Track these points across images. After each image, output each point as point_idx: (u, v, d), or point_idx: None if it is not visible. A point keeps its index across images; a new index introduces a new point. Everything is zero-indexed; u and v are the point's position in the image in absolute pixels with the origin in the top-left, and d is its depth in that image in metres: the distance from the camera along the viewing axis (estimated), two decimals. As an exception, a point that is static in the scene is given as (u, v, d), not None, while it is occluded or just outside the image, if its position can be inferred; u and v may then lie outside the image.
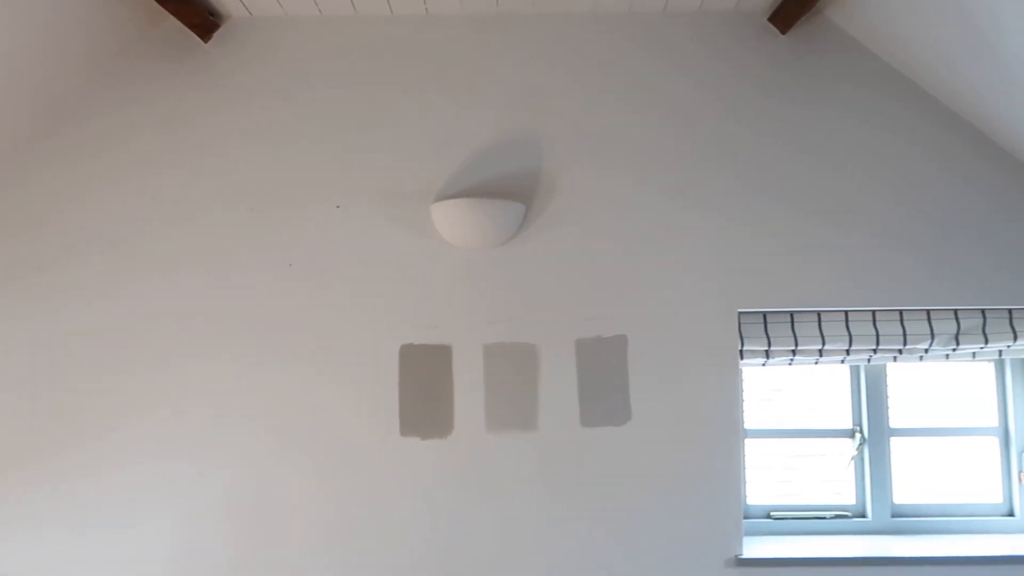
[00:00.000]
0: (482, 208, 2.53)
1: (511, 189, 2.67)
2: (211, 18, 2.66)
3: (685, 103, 2.70)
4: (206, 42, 2.72)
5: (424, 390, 2.61)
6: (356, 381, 2.62)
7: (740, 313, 2.69)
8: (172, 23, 2.68)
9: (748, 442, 2.89)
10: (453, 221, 2.56)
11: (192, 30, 2.65)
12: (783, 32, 2.70)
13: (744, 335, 2.71)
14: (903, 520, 2.87)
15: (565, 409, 2.62)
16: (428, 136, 2.69)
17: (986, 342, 2.74)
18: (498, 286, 2.65)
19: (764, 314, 2.74)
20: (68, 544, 2.58)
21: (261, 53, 2.72)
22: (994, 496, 2.91)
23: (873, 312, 2.73)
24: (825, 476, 2.94)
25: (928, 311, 2.73)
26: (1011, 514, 2.89)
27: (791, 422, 2.96)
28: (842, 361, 2.80)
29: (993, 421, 2.94)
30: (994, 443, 2.93)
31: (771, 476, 2.94)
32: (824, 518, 2.87)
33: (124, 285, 2.65)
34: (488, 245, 2.62)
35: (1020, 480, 2.87)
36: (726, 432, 2.62)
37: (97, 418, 2.61)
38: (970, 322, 2.73)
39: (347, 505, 2.59)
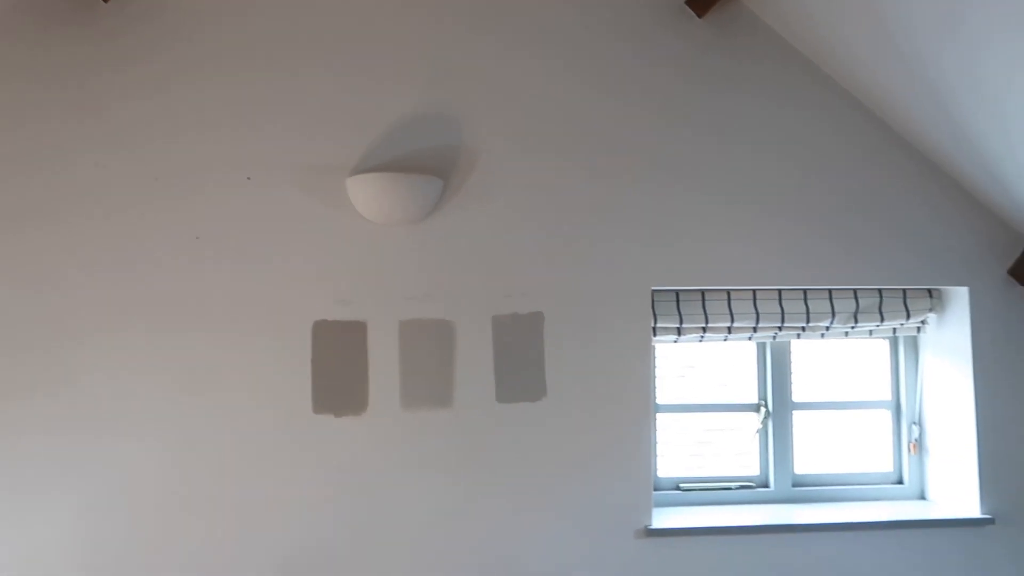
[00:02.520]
0: (399, 183, 2.49)
1: (429, 164, 2.63)
2: (111, -25, 2.51)
3: (603, 83, 2.71)
4: (106, 1, 2.56)
5: (338, 367, 2.57)
6: (266, 358, 2.55)
7: (653, 291, 2.75)
8: (67, -21, 2.53)
9: (660, 416, 2.97)
10: (369, 196, 2.51)
11: (90, -13, 2.50)
12: (700, 16, 2.74)
13: (657, 312, 2.77)
14: (803, 489, 3.01)
15: (481, 386, 2.62)
16: (344, 107, 2.62)
17: (882, 320, 2.89)
18: (415, 262, 2.62)
19: (676, 292, 2.81)
20: (-45, 530, 2.45)
21: (168, 14, 2.58)
22: (885, 466, 3.09)
23: (779, 291, 2.84)
24: (732, 449, 3.06)
25: (830, 290, 2.86)
26: (900, 482, 3.08)
27: (704, 397, 3.06)
28: (749, 338, 2.90)
29: (886, 395, 3.11)
30: (886, 416, 3.11)
31: (681, 449, 3.03)
32: (730, 489, 2.99)
33: (24, 260, 2.50)
34: (405, 221, 2.58)
35: (909, 451, 3.05)
36: (638, 407, 2.68)
37: (-13, 397, 2.48)
38: (868, 301, 2.88)
39: (257, 484, 2.54)
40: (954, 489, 2.90)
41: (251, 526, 2.54)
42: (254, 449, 2.55)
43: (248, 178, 2.58)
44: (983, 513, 2.78)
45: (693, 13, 2.74)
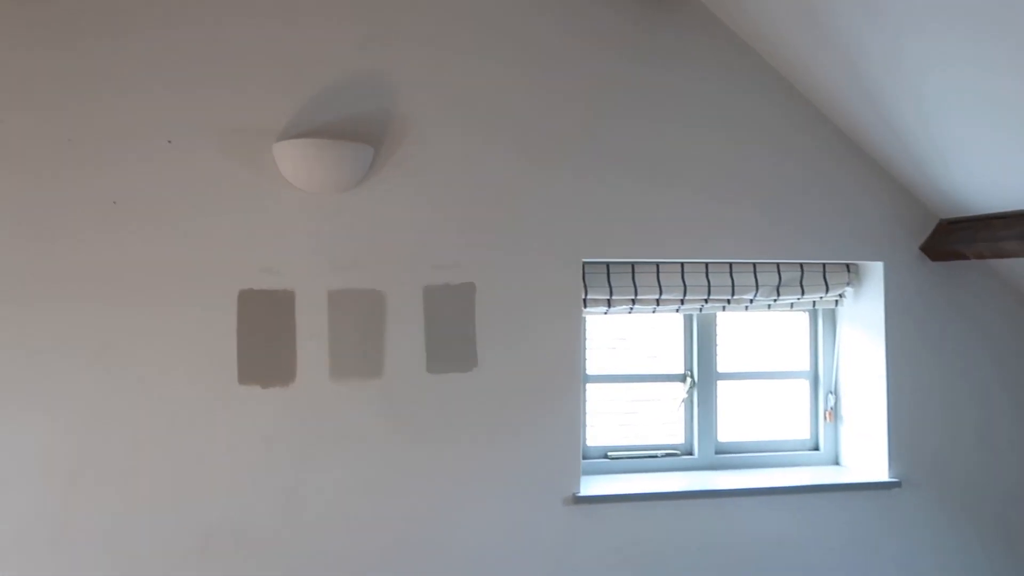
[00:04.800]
0: (329, 150, 2.43)
1: (360, 131, 2.57)
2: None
3: (537, 55, 2.69)
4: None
5: (265, 337, 2.52)
6: (190, 328, 2.48)
7: (584, 263, 2.78)
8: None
9: (590, 387, 3.02)
10: (297, 162, 2.45)
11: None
12: (637, -8, 2.75)
13: (588, 284, 2.80)
14: (725, 456, 3.11)
15: (411, 356, 2.61)
16: (272, 69, 2.53)
17: (803, 293, 2.99)
18: (344, 231, 2.58)
19: (607, 264, 2.84)
20: None
21: (79, -35, 2.45)
22: (803, 433, 3.22)
23: (706, 264, 2.91)
24: (659, 418, 3.13)
25: (754, 264, 2.94)
26: (817, 448, 3.21)
27: (633, 368, 3.12)
28: (677, 310, 2.96)
29: (805, 366, 3.23)
30: (805, 385, 3.23)
31: (610, 419, 3.10)
32: (656, 456, 3.06)
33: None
34: (334, 189, 2.53)
35: (825, 418, 3.18)
36: (568, 377, 2.71)
37: None
38: (790, 275, 2.97)
39: (180, 456, 2.47)
40: (865, 455, 3.04)
41: (172, 499, 2.47)
42: (177, 421, 2.48)
43: (169, 141, 2.48)
44: (891, 477, 2.94)
45: (628, -13, 2.75)
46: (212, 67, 2.50)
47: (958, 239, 2.82)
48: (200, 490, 2.49)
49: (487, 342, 2.66)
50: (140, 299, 2.46)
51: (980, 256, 2.72)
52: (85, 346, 2.43)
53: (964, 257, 2.80)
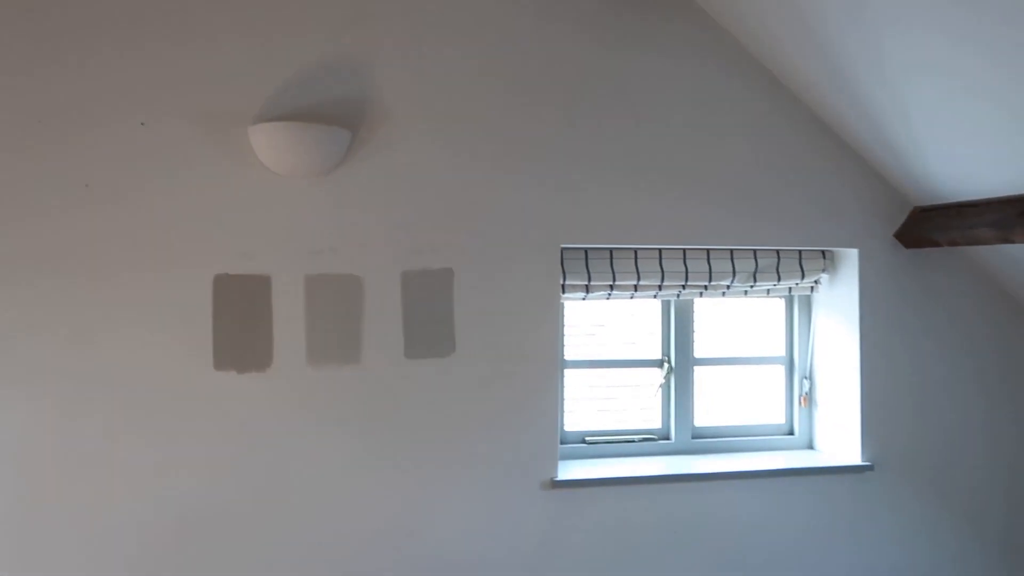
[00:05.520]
0: (306, 133, 2.41)
1: (337, 115, 2.55)
2: None
3: (516, 38, 2.68)
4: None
5: (241, 322, 2.50)
6: (164, 314, 2.45)
7: (563, 249, 2.78)
8: None
9: (568, 372, 3.03)
10: (274, 145, 2.42)
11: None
12: (615, -24, 2.74)
13: (566, 270, 2.81)
14: (702, 441, 3.14)
15: (389, 342, 2.60)
16: (248, 51, 2.50)
17: (779, 280, 3.02)
18: (321, 216, 2.56)
19: (585, 250, 2.85)
20: None
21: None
22: (778, 418, 3.26)
23: (684, 250, 2.92)
24: (636, 403, 3.15)
25: (731, 250, 2.96)
26: (791, 433, 3.25)
27: (612, 354, 3.13)
28: (655, 296, 2.98)
29: (780, 351, 3.26)
30: (780, 371, 3.27)
31: (588, 404, 3.11)
32: (633, 441, 3.09)
33: None
34: (311, 173, 2.51)
35: (800, 403, 3.22)
36: (546, 362, 2.72)
37: None
38: (766, 261, 3.00)
39: (154, 443, 2.45)
40: (839, 439, 3.08)
41: (148, 487, 2.46)
42: (152, 407, 2.45)
43: (142, 123, 2.44)
44: (864, 461, 2.98)
45: (607, -29, 2.74)
46: (187, 48, 2.46)
47: (932, 226, 2.85)
48: (176, 477, 2.47)
49: (465, 328, 2.65)
50: (114, 285, 2.42)
51: (953, 243, 2.76)
52: (59, 333, 2.40)
53: (937, 244, 2.83)
